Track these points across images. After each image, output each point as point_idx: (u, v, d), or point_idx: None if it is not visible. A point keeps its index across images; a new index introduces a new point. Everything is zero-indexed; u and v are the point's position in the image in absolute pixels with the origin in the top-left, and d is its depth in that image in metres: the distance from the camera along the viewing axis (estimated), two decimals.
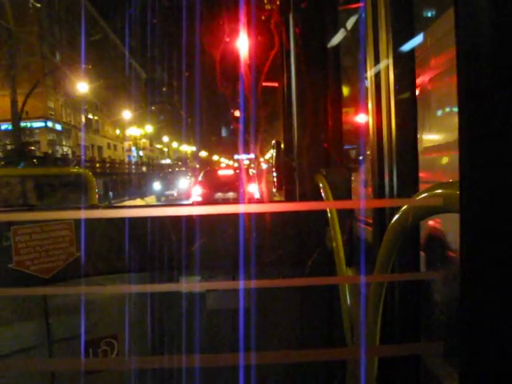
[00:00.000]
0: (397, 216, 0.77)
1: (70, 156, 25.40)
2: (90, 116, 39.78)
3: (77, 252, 1.91)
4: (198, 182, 15.00)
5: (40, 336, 1.85)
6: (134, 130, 36.87)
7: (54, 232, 1.86)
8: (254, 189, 14.03)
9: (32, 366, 0.69)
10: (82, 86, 26.06)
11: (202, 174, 15.48)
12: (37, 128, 31.60)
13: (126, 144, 41.77)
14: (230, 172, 15.86)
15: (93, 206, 2.91)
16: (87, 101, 34.75)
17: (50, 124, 32.51)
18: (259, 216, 1.99)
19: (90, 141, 38.76)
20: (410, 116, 1.29)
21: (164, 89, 48.99)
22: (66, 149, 33.57)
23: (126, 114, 35.99)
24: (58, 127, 34.00)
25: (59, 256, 1.87)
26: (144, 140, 44.36)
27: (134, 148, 40.34)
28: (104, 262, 1.92)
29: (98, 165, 24.87)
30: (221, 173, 15.66)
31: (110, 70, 37.65)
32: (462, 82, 0.47)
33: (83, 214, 1.67)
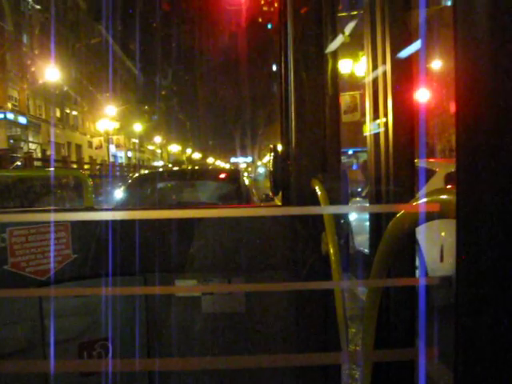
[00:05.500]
0: (393, 221, 0.77)
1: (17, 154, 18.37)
2: (68, 111, 34.98)
3: (72, 254, 1.90)
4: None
5: (35, 338, 1.84)
6: (106, 122, 30.57)
7: (49, 234, 1.86)
8: None
9: (26, 367, 0.69)
10: (53, 74, 22.67)
11: (124, 188, 6.28)
12: None
13: (96, 140, 35.13)
14: (198, 183, 6.05)
15: (88, 208, 2.90)
16: (64, 94, 31.22)
17: (10, 116, 26.51)
18: (255, 220, 1.99)
19: (66, 138, 33.95)
20: (407, 121, 1.30)
21: (162, 91, 46.89)
22: (33, 146, 28.56)
23: (111, 111, 31.06)
24: (23, 120, 28.15)
25: (55, 258, 1.87)
26: (125, 137, 38.52)
27: (116, 148, 34.57)
28: (99, 264, 1.91)
29: (59, 164, 19.59)
30: (171, 183, 6.15)
31: (94, 62, 34.17)
32: (458, 89, 0.48)
33: (76, 216, 1.67)
